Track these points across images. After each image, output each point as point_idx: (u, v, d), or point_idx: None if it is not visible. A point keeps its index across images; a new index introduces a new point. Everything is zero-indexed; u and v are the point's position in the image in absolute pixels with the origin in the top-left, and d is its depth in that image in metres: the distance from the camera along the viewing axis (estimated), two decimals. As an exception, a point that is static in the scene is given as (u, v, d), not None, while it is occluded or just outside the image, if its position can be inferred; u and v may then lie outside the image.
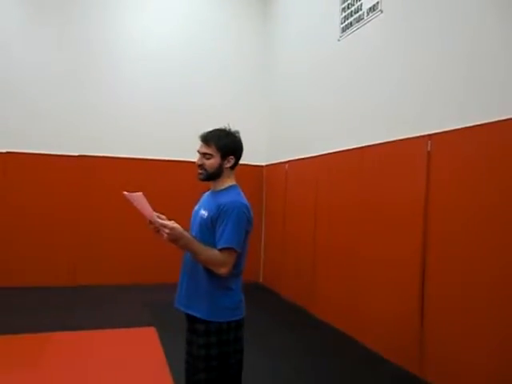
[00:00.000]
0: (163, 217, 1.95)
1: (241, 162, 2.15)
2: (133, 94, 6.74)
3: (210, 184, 2.14)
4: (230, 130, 2.11)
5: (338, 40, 5.11)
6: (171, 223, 1.88)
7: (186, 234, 1.92)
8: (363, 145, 4.46)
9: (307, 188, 5.62)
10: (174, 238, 1.87)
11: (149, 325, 4.60)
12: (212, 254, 1.94)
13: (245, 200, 2.06)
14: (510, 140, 2.87)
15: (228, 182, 2.10)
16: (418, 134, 3.68)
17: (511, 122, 2.83)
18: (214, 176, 2.07)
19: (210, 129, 2.11)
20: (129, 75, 6.75)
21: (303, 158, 5.81)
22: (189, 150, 5.39)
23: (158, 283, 6.33)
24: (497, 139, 2.97)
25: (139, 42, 6.79)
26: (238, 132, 2.13)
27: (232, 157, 2.07)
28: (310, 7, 5.97)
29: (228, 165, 2.07)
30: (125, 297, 5.87)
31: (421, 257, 3.56)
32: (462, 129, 3.24)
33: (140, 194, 1.88)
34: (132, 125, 6.71)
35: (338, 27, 5.10)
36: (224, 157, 2.05)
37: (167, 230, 1.85)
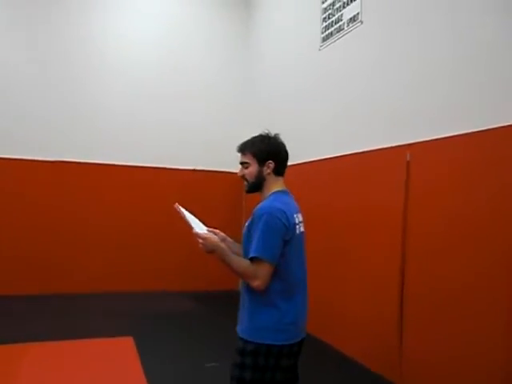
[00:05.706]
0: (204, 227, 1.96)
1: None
2: (112, 100, 6.62)
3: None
4: (267, 134, 2.00)
5: (319, 49, 5.16)
6: (203, 233, 1.82)
7: (221, 245, 1.84)
8: (342, 154, 4.49)
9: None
10: (208, 250, 1.81)
11: (126, 335, 4.50)
12: (243, 265, 1.80)
13: (282, 204, 1.86)
14: (489, 150, 2.92)
15: (273, 188, 1.95)
16: (397, 144, 3.73)
17: (491, 132, 2.88)
18: (257, 185, 1.95)
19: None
20: (108, 79, 6.65)
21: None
22: (171, 158, 5.31)
23: (135, 291, 6.23)
24: (476, 149, 3.02)
25: (123, 48, 6.73)
26: (277, 134, 2.01)
27: (271, 161, 1.93)
28: (290, 17, 6.01)
29: (268, 170, 1.94)
30: (101, 305, 5.72)
31: (400, 266, 3.58)
32: (440, 139, 3.28)
33: (188, 213, 1.95)
34: (111, 130, 6.58)
35: (319, 37, 5.15)
36: (262, 163, 1.93)
37: (200, 241, 1.80)
